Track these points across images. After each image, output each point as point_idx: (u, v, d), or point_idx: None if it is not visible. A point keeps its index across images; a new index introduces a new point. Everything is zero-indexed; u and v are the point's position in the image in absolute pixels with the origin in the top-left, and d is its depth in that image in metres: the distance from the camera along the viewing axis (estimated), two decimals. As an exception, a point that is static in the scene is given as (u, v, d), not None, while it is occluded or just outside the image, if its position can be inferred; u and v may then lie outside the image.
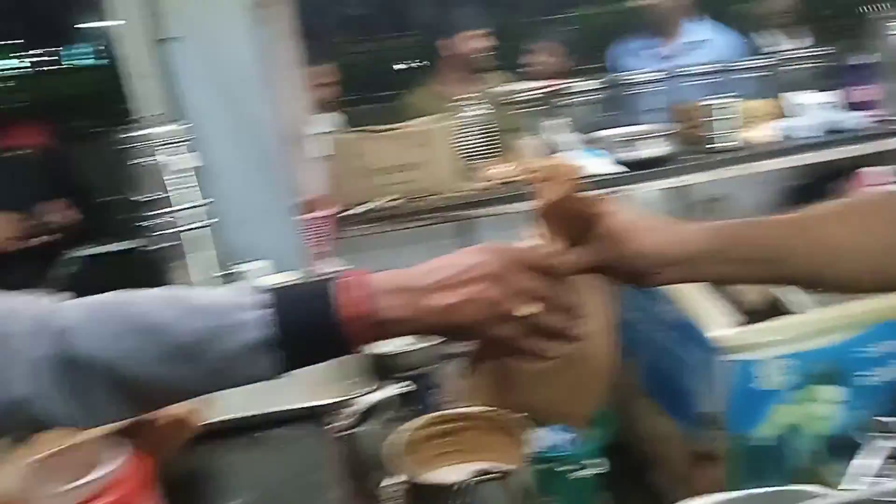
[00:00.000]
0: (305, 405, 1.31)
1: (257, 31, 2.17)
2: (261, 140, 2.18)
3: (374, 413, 1.20)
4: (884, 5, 3.26)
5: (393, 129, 2.92)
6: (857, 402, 1.12)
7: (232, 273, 1.77)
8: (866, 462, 1.05)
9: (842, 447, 1.09)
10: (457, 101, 3.26)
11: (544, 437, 1.16)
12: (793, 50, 3.65)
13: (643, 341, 1.28)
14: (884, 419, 1.08)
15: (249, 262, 1.89)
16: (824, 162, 2.92)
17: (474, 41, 3.89)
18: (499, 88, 3.45)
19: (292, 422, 1.30)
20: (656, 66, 3.73)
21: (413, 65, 6.05)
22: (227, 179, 2.00)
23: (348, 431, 1.18)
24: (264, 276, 1.86)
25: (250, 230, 1.96)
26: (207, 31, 2.14)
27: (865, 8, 4.15)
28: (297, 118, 2.46)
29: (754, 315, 1.18)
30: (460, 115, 3.17)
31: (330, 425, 1.22)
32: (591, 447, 1.18)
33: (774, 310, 1.24)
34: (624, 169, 2.96)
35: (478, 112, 3.19)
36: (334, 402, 1.25)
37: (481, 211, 2.81)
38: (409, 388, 1.27)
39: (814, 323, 1.10)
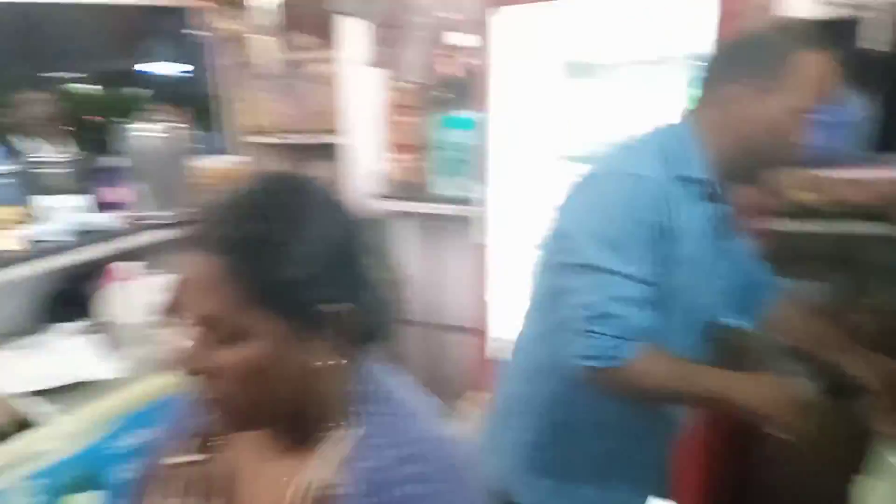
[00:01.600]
0: None
1: None
2: None
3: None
4: (131, 113, 3.45)
5: None
6: (117, 499, 1.10)
7: None
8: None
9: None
10: None
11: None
12: (45, 155, 3.57)
13: None
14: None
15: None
16: (78, 263, 2.92)
17: None
18: None
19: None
20: None
21: None
22: None
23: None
24: None
25: None
26: None
27: (114, 115, 4.33)
28: None
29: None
30: None
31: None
32: None
33: (21, 426, 1.15)
34: None
35: None
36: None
37: None
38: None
39: (58, 434, 1.05)
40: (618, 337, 1.35)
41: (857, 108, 3.03)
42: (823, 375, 2.65)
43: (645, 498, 1.70)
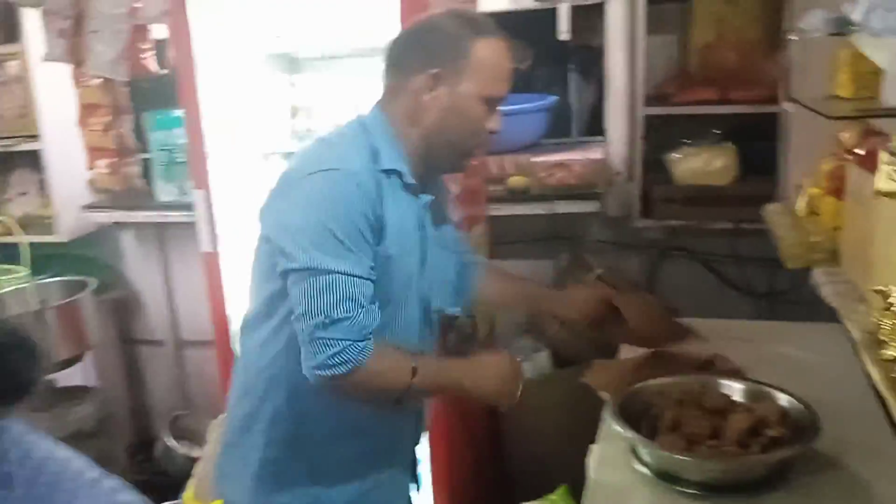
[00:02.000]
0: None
1: None
2: None
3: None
4: None
5: None
6: None
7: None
8: None
9: None
10: None
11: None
12: None
13: None
14: None
15: None
16: None
17: None
18: None
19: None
20: None
21: None
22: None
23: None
24: None
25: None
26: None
27: None
28: None
29: None
30: None
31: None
32: None
33: None
34: None
35: None
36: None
37: None
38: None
39: None
40: (347, 340, 1.32)
41: (564, 95, 3.28)
42: (551, 349, 2.85)
43: (403, 486, 1.69)
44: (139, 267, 3.62)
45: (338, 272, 1.33)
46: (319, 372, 1.33)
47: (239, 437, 1.57)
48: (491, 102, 1.45)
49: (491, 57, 1.43)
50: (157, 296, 3.62)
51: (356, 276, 1.34)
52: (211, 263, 2.39)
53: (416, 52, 1.44)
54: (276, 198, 1.42)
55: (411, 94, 1.43)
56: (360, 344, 1.33)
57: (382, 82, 1.51)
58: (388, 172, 1.42)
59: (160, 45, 3.01)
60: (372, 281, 1.37)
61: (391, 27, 1.93)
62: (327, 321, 1.31)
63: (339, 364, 1.32)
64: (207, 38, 2.30)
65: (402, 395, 1.44)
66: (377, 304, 1.38)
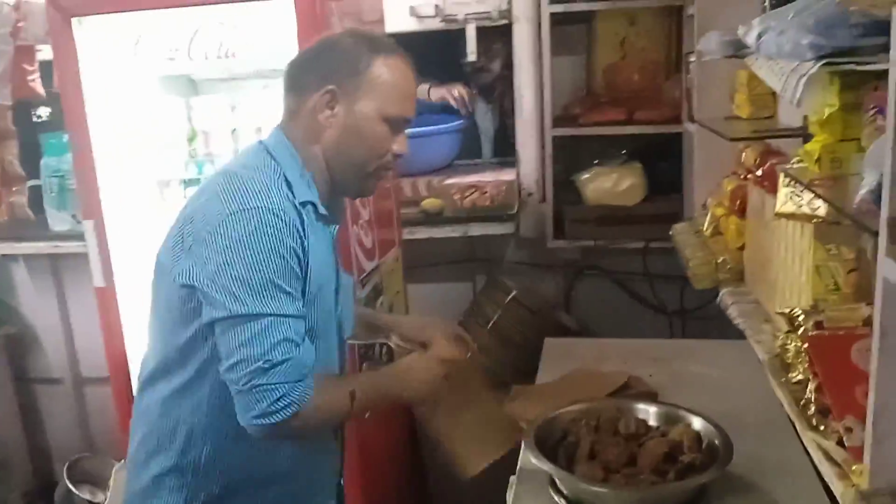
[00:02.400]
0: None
1: None
2: None
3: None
4: None
5: None
6: None
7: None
8: None
9: None
10: None
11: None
12: None
13: None
14: None
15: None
16: None
17: None
18: None
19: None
20: None
21: None
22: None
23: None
24: None
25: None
26: None
27: None
28: None
29: None
30: None
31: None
32: None
33: None
34: None
35: None
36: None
37: None
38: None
39: None
40: (288, 382, 1.26)
41: (475, 116, 3.29)
42: None
43: None
44: (33, 301, 3.41)
45: (272, 314, 1.26)
46: (261, 421, 1.26)
47: (153, 497, 1.44)
48: (394, 123, 1.41)
49: (390, 75, 1.39)
50: (54, 331, 3.41)
51: (290, 316, 1.28)
52: (104, 299, 2.25)
53: (313, 71, 1.39)
54: (193, 242, 1.31)
55: (308, 113, 1.38)
56: (300, 385, 1.27)
57: (283, 105, 1.45)
58: (304, 204, 1.37)
59: (48, 67, 2.85)
60: (303, 317, 1.32)
61: (290, 47, 1.89)
62: (266, 366, 1.25)
63: (282, 409, 1.25)
64: (96, 58, 2.18)
65: (344, 422, 1.43)
66: (306, 339, 1.33)
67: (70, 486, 3.12)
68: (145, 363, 1.46)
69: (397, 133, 1.42)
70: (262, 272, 1.26)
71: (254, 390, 1.25)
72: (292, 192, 1.35)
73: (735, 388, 1.81)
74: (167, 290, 1.36)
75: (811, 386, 1.19)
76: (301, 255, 1.32)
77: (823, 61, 1.08)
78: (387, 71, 1.38)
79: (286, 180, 1.35)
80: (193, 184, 2.28)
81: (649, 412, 1.56)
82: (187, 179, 2.28)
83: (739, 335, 1.98)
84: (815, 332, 1.24)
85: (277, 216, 1.28)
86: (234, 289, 1.26)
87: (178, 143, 2.26)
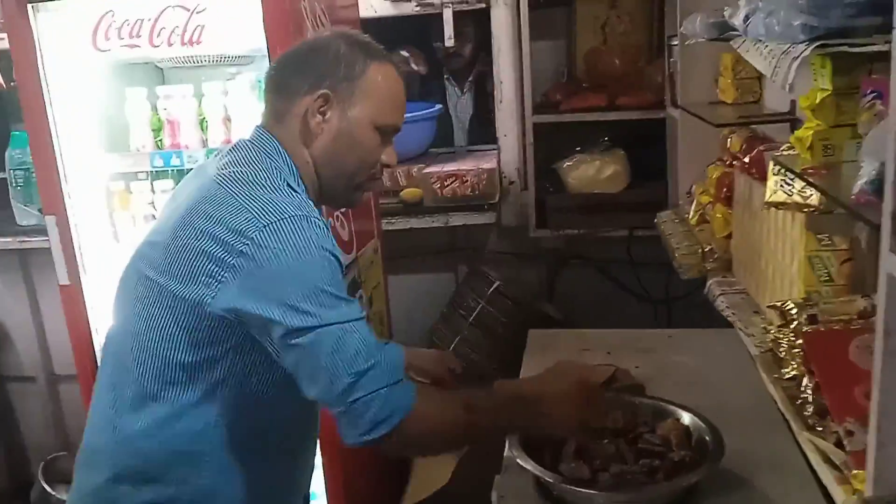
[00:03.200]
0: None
1: None
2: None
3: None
4: None
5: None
6: None
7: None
8: None
9: None
10: None
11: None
12: None
13: None
14: None
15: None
16: None
17: None
18: None
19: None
20: None
21: None
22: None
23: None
24: None
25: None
26: None
27: None
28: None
29: None
30: None
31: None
32: None
33: None
34: None
35: None
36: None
37: None
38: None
39: None
40: (384, 387, 1.16)
41: (443, 103, 3.23)
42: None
43: None
44: (2, 297, 3.31)
45: (338, 322, 1.17)
46: (370, 436, 1.16)
47: None
48: (384, 132, 1.35)
49: (385, 82, 1.33)
50: (25, 328, 3.33)
51: (356, 320, 1.19)
52: (68, 297, 2.17)
53: (304, 73, 1.31)
54: (227, 257, 1.19)
55: (298, 118, 1.31)
56: (398, 388, 1.18)
57: (265, 105, 1.37)
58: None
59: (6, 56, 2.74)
60: (365, 319, 1.22)
61: (256, 33, 1.83)
62: (354, 379, 1.15)
63: (388, 417, 1.16)
64: (55, 47, 2.08)
65: (463, 440, 1.32)
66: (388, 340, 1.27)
67: (45, 486, 3.06)
68: (119, 385, 1.32)
69: (387, 143, 1.37)
70: (314, 282, 1.17)
71: (351, 410, 1.16)
72: (304, 195, 1.30)
73: (723, 379, 1.77)
74: (178, 312, 1.24)
75: (807, 384, 1.14)
76: (339, 259, 1.24)
77: (817, 43, 1.02)
78: (382, 78, 1.33)
79: (292, 189, 1.28)
80: (161, 176, 2.20)
81: (637, 406, 1.51)
82: (154, 171, 2.19)
83: (725, 323, 1.95)
84: (810, 328, 1.19)
85: (312, 222, 1.21)
86: (290, 302, 1.16)
87: (143, 134, 2.17)
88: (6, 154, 2.90)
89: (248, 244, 1.17)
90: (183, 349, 1.25)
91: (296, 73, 1.32)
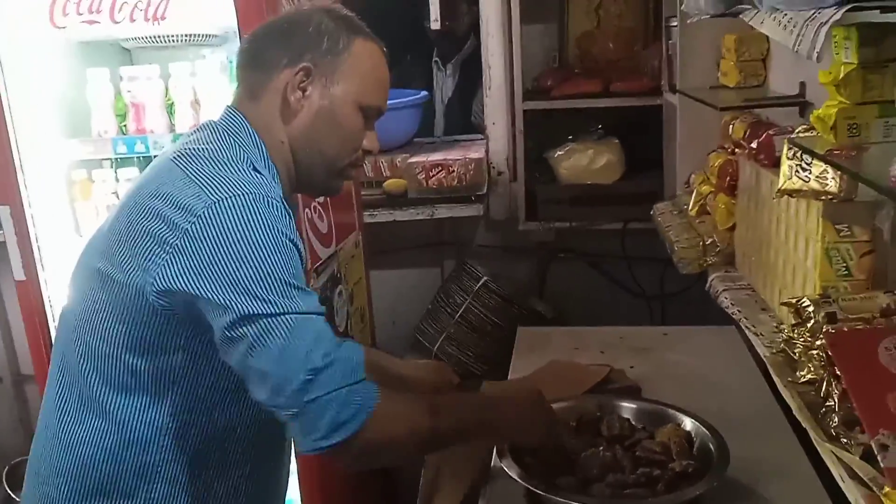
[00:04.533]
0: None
1: None
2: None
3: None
4: None
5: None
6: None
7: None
8: None
9: None
10: None
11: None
12: None
13: None
14: None
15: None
16: None
17: None
18: None
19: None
20: None
21: None
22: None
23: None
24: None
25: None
26: None
27: None
28: None
29: None
30: None
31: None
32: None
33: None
34: None
35: None
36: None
37: None
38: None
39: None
40: (344, 385, 1.05)
41: (429, 89, 3.11)
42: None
43: None
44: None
45: (295, 313, 1.05)
46: (327, 441, 1.04)
47: None
48: (368, 113, 1.26)
49: (370, 60, 1.25)
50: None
51: (312, 313, 1.08)
52: (25, 294, 2.03)
53: (283, 46, 1.21)
54: (170, 237, 1.07)
55: (275, 94, 1.21)
56: (360, 386, 1.07)
57: (238, 82, 1.27)
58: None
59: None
60: (324, 314, 1.11)
61: (225, 8, 1.70)
62: (310, 376, 1.03)
63: (348, 420, 1.04)
64: (9, 26, 1.94)
65: (426, 447, 1.23)
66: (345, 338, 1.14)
67: (9, 492, 2.94)
68: (63, 387, 1.21)
69: (369, 126, 1.28)
70: (267, 265, 1.06)
71: (307, 410, 1.04)
72: (268, 177, 1.19)
73: (723, 380, 1.70)
74: (121, 305, 1.12)
75: (831, 390, 1.02)
76: (299, 249, 1.13)
77: (849, 6, 0.91)
78: (367, 55, 1.25)
79: (255, 170, 1.16)
80: (125, 164, 2.06)
81: (633, 410, 1.43)
82: (118, 159, 2.05)
83: (723, 320, 1.87)
84: (832, 328, 1.07)
85: (271, 204, 1.10)
86: (241, 285, 1.04)
87: (106, 118, 2.03)
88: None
89: (194, 222, 1.05)
90: (127, 349, 1.13)
91: (274, 45, 1.22)
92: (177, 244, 1.06)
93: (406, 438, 1.14)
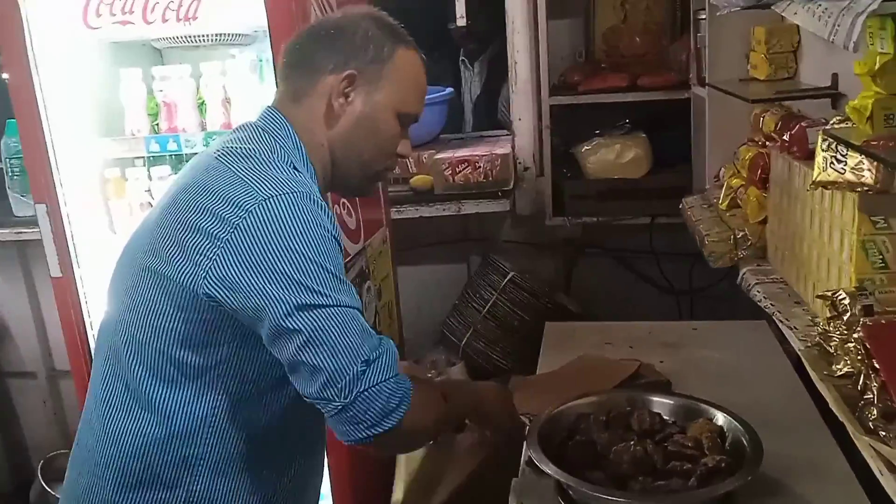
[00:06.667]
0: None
1: None
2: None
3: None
4: None
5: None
6: None
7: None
8: None
9: None
10: None
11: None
12: None
13: None
14: None
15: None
16: None
17: None
18: None
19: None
20: None
21: None
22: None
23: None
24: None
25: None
26: None
27: None
28: None
29: None
30: None
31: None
32: None
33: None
34: None
35: None
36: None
37: None
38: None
39: None
40: (390, 377, 1.10)
41: (456, 86, 3.11)
42: (466, 360, 2.68)
43: None
44: (1, 291, 3.23)
45: (346, 306, 1.10)
46: (376, 430, 1.08)
47: None
48: (405, 121, 1.31)
49: (411, 69, 1.30)
50: (24, 322, 3.24)
51: (358, 309, 1.13)
52: (61, 290, 2.07)
53: (330, 51, 1.25)
54: (220, 233, 1.09)
55: (319, 97, 1.25)
56: (400, 378, 1.12)
57: (282, 81, 1.31)
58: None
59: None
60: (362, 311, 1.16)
61: (256, 8, 1.71)
62: (363, 367, 1.07)
63: (396, 408, 1.09)
64: (44, 28, 1.97)
65: (441, 429, 1.31)
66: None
67: (44, 485, 2.99)
68: (110, 380, 1.24)
69: (404, 133, 1.32)
70: (318, 259, 1.10)
71: (358, 401, 1.07)
72: (306, 176, 1.23)
73: (755, 375, 1.68)
74: (169, 300, 1.15)
75: (869, 383, 1.02)
76: (340, 244, 1.18)
77: (887, -5, 0.90)
78: (410, 65, 1.29)
79: (296, 170, 1.22)
80: (158, 162, 2.09)
81: (664, 405, 1.42)
82: (151, 157, 2.08)
83: (753, 315, 1.85)
84: (869, 320, 1.06)
85: (315, 202, 1.14)
86: (295, 277, 1.08)
87: (139, 117, 2.06)
88: (1, 143, 2.80)
89: (245, 217, 1.09)
90: (175, 343, 1.16)
91: (321, 49, 1.26)
92: (228, 239, 1.09)
93: (433, 424, 1.22)
